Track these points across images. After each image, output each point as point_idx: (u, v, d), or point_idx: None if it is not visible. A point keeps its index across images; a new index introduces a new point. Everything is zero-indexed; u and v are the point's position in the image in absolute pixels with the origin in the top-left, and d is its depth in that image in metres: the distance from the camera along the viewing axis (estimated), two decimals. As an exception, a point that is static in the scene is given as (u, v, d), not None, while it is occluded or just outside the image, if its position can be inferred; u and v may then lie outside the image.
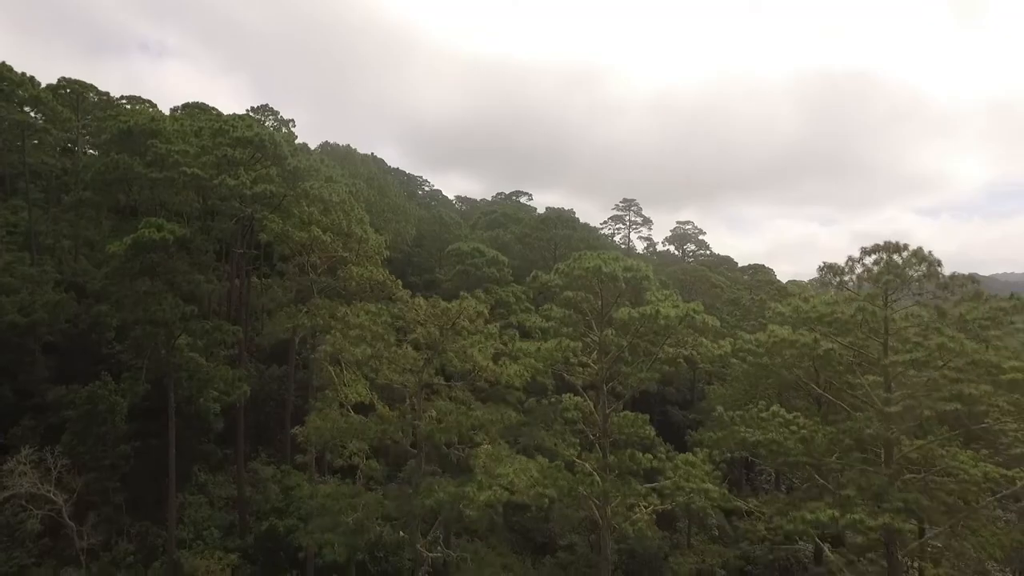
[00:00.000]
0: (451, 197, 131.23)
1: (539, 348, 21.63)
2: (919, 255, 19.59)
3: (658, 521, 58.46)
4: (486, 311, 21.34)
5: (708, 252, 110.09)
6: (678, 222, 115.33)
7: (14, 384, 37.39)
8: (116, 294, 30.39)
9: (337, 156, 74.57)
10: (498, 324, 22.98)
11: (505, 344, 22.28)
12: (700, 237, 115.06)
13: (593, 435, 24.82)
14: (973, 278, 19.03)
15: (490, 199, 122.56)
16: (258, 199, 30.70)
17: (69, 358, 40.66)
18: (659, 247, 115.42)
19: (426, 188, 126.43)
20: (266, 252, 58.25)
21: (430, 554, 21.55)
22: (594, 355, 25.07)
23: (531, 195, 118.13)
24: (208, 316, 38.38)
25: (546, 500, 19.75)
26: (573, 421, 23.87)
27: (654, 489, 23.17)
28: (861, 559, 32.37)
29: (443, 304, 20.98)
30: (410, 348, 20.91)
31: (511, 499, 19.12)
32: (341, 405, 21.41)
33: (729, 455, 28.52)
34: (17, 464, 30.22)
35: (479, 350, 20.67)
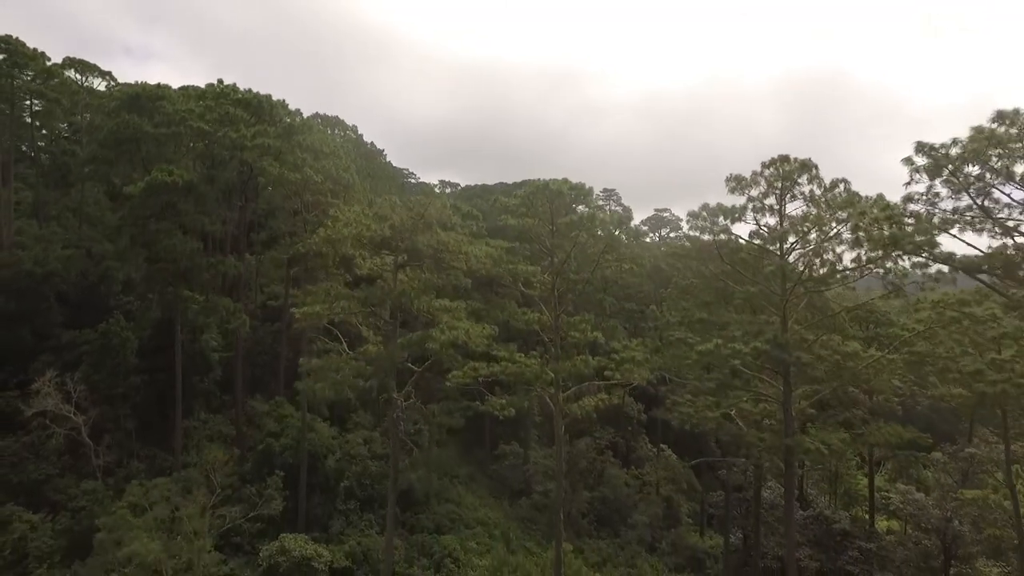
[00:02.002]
0: (434, 183, 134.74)
1: (499, 252, 25.78)
2: (804, 164, 24.04)
3: (627, 471, 62.77)
4: (448, 205, 25.54)
5: (681, 234, 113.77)
6: (656, 209, 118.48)
7: (32, 327, 41.07)
8: (130, 231, 34.16)
9: (328, 124, 78.44)
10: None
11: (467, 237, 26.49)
12: (678, 223, 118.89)
13: (548, 338, 28.97)
14: (845, 180, 23.50)
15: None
16: (258, 149, 34.64)
17: (80, 308, 44.30)
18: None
19: (412, 181, 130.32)
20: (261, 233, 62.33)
21: (404, 403, 25.69)
22: (549, 273, 29.21)
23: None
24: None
25: (497, 355, 23.84)
26: (530, 322, 28.03)
27: (602, 376, 27.44)
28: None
29: (414, 199, 25.20)
30: (387, 229, 25.03)
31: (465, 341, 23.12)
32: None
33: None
34: (42, 385, 33.87)
35: (445, 234, 24.87)
